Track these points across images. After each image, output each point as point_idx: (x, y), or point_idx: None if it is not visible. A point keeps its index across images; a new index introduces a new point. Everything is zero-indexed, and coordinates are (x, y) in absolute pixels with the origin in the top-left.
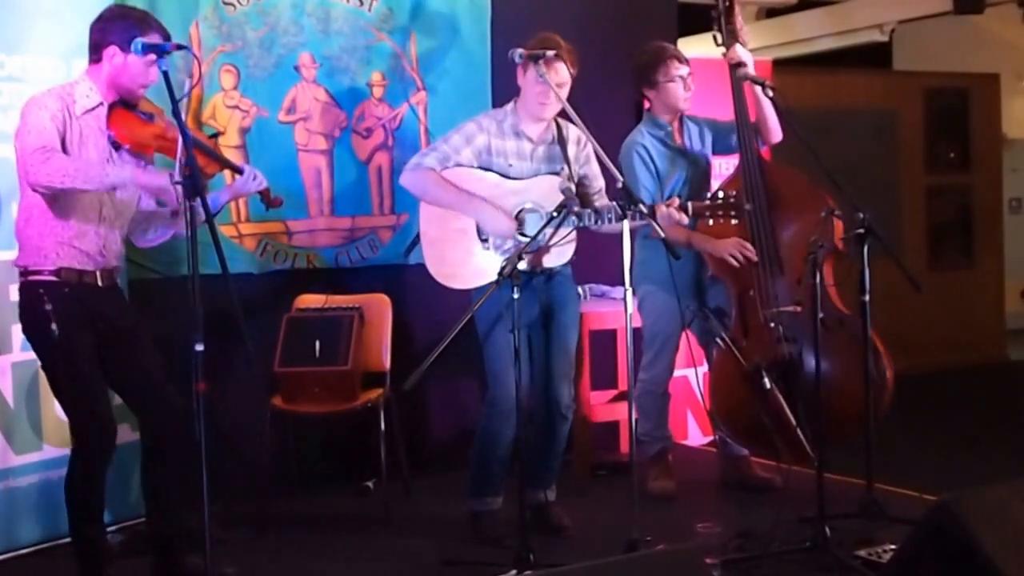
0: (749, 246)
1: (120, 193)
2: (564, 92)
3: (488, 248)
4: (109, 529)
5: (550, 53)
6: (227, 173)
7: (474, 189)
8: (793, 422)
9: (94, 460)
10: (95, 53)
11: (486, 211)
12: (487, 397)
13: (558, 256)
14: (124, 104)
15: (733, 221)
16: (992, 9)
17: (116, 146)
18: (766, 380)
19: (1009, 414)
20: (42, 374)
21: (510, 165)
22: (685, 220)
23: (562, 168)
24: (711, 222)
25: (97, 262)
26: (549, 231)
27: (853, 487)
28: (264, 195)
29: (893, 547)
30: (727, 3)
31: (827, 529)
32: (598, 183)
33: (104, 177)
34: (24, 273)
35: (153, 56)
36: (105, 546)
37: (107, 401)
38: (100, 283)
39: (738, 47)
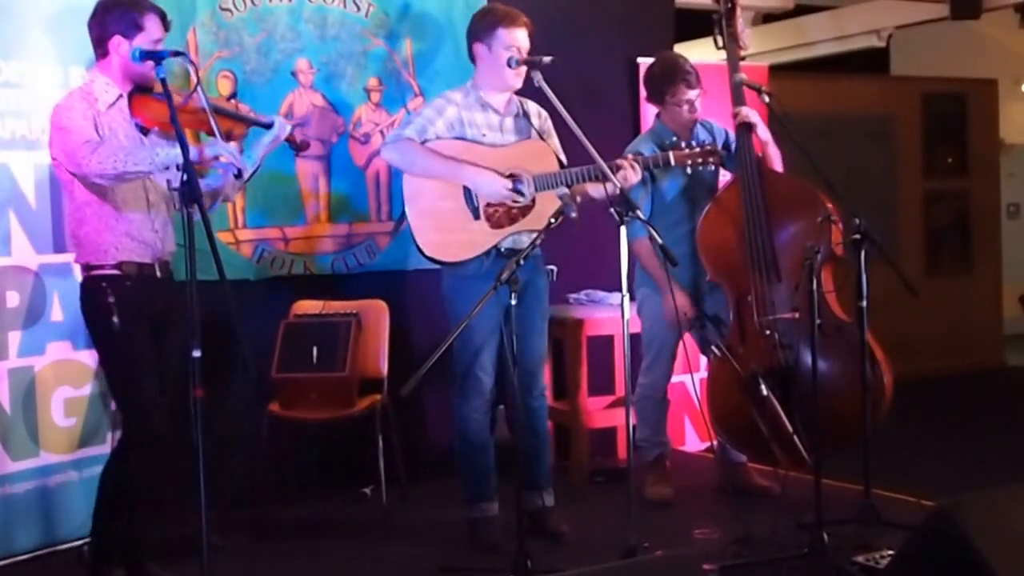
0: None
1: (158, 176)
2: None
3: (480, 219)
4: None
5: (546, 60)
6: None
7: (459, 157)
8: (790, 429)
9: (139, 453)
10: (100, 48)
11: (479, 175)
12: (460, 390)
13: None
14: (141, 89)
15: (711, 167)
16: (989, 14)
17: (144, 131)
18: (763, 387)
19: (1007, 419)
20: (39, 380)
21: (483, 135)
22: (634, 179)
23: (530, 138)
24: (689, 169)
25: (155, 252)
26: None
27: (851, 493)
28: (291, 140)
29: (891, 553)
30: (728, 6)
31: (825, 535)
32: (560, 156)
33: (154, 156)
34: (86, 268)
35: (155, 36)
36: (117, 547)
37: (160, 396)
38: (159, 274)
39: (746, 109)
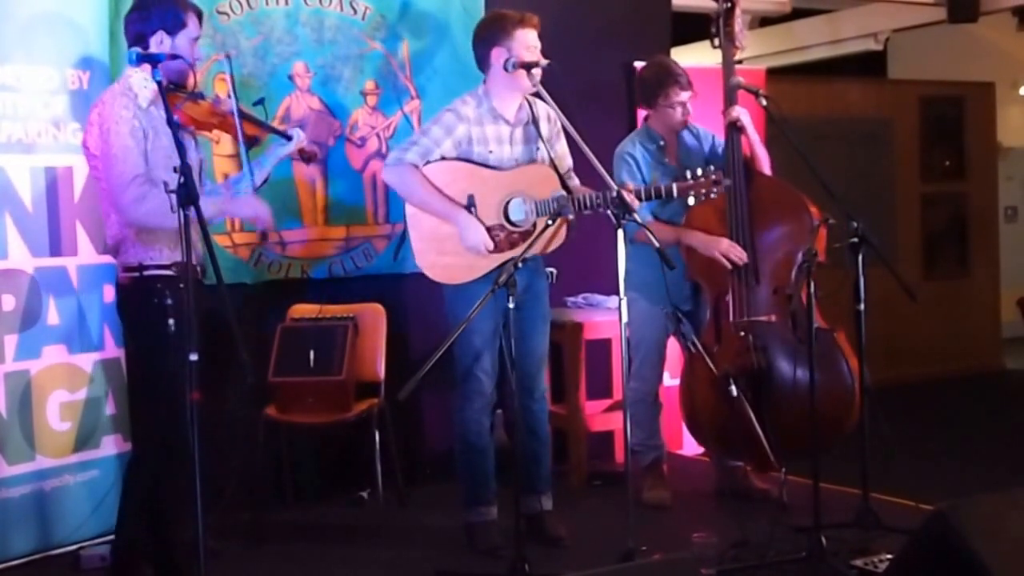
0: (740, 249)
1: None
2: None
3: None
4: (98, 542)
5: (544, 62)
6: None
7: (461, 181)
8: (759, 431)
9: (173, 456)
10: (140, 43)
11: (469, 228)
12: (461, 392)
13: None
14: (174, 86)
15: (713, 195)
16: (987, 17)
17: (178, 128)
18: (732, 388)
19: (1005, 423)
20: (35, 384)
21: (490, 152)
22: (633, 208)
23: (538, 148)
24: (691, 200)
25: (197, 253)
26: (545, 235)
27: (849, 497)
28: (302, 151)
29: (889, 557)
30: (728, 5)
31: (823, 539)
32: (567, 161)
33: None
34: (139, 268)
35: (195, 34)
36: (141, 549)
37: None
38: (200, 276)
39: (737, 108)
